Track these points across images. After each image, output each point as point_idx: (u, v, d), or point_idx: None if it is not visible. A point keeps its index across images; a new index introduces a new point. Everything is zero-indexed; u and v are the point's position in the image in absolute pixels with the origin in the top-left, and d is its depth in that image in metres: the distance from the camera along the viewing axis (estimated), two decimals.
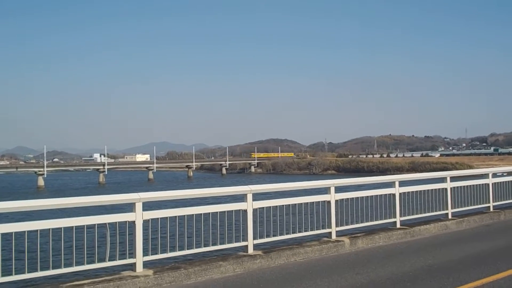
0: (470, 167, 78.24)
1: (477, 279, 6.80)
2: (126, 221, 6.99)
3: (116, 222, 6.91)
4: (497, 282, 6.68)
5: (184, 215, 7.54)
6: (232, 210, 8.09)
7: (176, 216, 7.48)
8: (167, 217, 7.37)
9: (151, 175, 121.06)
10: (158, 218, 7.30)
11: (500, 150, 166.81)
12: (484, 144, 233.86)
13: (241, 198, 8.32)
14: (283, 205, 8.74)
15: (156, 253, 7.27)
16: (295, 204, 8.93)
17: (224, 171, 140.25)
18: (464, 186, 12.16)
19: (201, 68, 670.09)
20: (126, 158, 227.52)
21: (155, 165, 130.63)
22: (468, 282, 6.66)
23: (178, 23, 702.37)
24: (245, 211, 8.14)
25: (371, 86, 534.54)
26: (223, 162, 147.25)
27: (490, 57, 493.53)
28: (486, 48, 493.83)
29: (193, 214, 7.63)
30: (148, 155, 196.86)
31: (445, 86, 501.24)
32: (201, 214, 7.75)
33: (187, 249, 7.51)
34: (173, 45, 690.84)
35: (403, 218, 10.64)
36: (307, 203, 9.09)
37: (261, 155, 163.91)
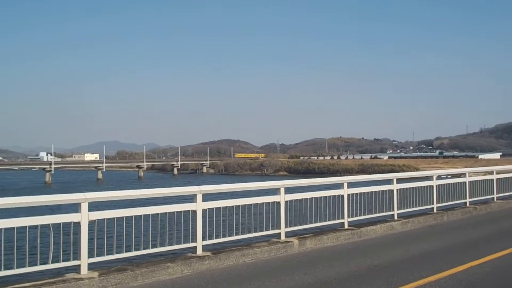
0: (417, 170, 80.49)
1: (420, 278, 7.00)
2: (71, 222, 6.78)
3: (60, 223, 6.70)
4: (439, 281, 6.89)
5: (132, 216, 7.39)
6: (181, 211, 8.00)
7: (123, 217, 7.32)
8: (114, 218, 7.20)
9: (100, 175, 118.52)
10: (104, 219, 7.13)
11: (445, 153, 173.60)
12: (430, 147, 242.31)
13: (191, 198, 8.25)
14: (233, 206, 8.72)
15: (102, 255, 7.10)
16: (245, 205, 8.93)
17: (175, 171, 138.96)
18: (409, 188, 12.52)
19: (153, 65, 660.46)
20: (74, 157, 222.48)
21: (104, 164, 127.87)
22: (412, 281, 6.84)
23: (118, 20, 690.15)
24: (194, 212, 8.07)
25: (323, 89, 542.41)
26: (175, 162, 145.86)
27: (435, 63, 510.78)
28: (431, 54, 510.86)
29: (141, 215, 7.50)
30: (97, 155, 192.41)
31: (393, 91, 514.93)
32: (149, 214, 7.62)
33: (135, 250, 7.37)
34: (122, 42, 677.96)
35: (351, 219, 10.84)
36: (257, 204, 9.12)
37: (242, 155, 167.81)
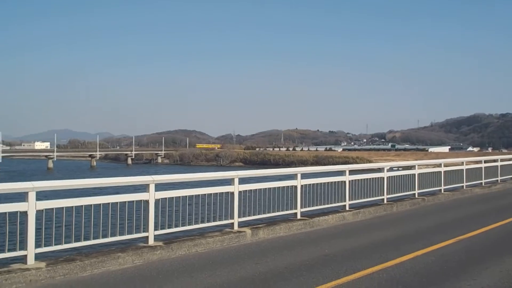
0: (369, 162, 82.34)
1: (368, 267, 7.18)
2: (17, 211, 6.58)
3: (6, 213, 6.49)
4: (386, 269, 7.09)
5: (82, 206, 7.24)
6: (134, 201, 7.90)
7: (73, 207, 7.15)
8: (63, 207, 7.04)
9: (50, 164, 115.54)
10: (53, 208, 6.95)
11: (397, 146, 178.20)
12: (383, 140, 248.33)
13: (144, 188, 8.17)
14: (186, 196, 8.67)
15: (50, 245, 6.94)
16: (199, 195, 8.92)
17: (129, 161, 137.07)
18: (361, 179, 12.79)
19: (108, 54, 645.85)
20: (24, 145, 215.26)
21: (55, 153, 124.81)
22: (360, 270, 7.01)
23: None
24: (146, 202, 7.99)
25: (279, 80, 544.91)
26: (129, 152, 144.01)
27: (389, 57, 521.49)
28: (387, 47, 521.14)
29: (91, 204, 7.35)
30: (48, 143, 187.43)
31: (348, 84, 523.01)
32: (100, 204, 7.47)
33: (84, 240, 7.23)
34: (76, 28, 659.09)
35: (304, 210, 10.99)
36: (211, 194, 9.13)
37: (204, 146, 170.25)
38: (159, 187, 8.36)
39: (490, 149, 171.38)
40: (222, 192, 9.32)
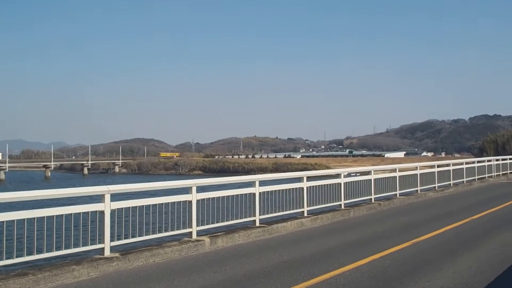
0: (328, 168, 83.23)
1: (326, 272, 7.26)
2: None
3: None
4: (344, 274, 7.19)
5: (34, 218, 7.02)
6: (88, 211, 7.74)
7: (24, 219, 6.93)
8: (14, 220, 6.81)
9: (2, 175, 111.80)
10: (3, 221, 6.72)
11: (354, 152, 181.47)
12: (340, 146, 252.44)
13: (99, 198, 8.01)
14: (143, 206, 8.57)
15: (1, 259, 6.70)
16: (156, 204, 8.81)
17: (86, 171, 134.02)
18: (319, 185, 12.95)
19: (61, 60, 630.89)
20: None
21: (7, 164, 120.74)
22: (318, 275, 7.07)
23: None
24: (102, 212, 7.84)
25: (237, 88, 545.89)
26: (85, 162, 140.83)
27: (345, 65, 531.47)
28: (343, 56, 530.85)
29: (44, 216, 7.14)
30: (0, 154, 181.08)
31: (306, 90, 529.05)
32: (53, 216, 7.27)
33: (37, 253, 7.01)
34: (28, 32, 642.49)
35: (262, 217, 11.03)
36: (168, 203, 9.03)
37: (167, 154, 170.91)
38: (116, 197, 8.22)
39: (443, 154, 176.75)
40: (180, 201, 9.24)
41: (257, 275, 7.20)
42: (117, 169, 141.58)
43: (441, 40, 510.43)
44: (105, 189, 7.99)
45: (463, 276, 7.04)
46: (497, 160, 29.11)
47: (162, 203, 8.91)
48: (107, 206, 7.90)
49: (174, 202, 9.13)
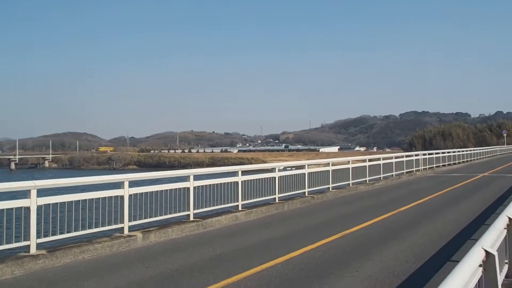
0: (264, 162, 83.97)
1: (258, 265, 7.33)
2: None
3: None
4: (275, 266, 7.29)
5: None
6: (13, 208, 7.40)
7: None
8: None
9: None
10: None
11: (290, 147, 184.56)
12: (277, 141, 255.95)
13: (24, 194, 7.68)
14: (72, 201, 8.30)
15: None
16: (86, 199, 8.56)
17: (13, 166, 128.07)
18: (254, 179, 13.05)
19: None
20: None
21: None
22: (251, 268, 7.13)
23: None
24: (28, 208, 7.53)
25: (174, 82, 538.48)
26: (12, 157, 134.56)
27: (283, 61, 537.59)
28: (279, 53, 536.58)
29: None
30: None
31: (242, 86, 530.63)
32: None
33: None
34: None
35: (197, 211, 10.99)
36: (99, 198, 8.79)
37: (107, 149, 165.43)
38: (44, 192, 7.92)
39: (375, 149, 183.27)
40: (112, 196, 9.03)
41: (190, 270, 7.17)
42: (47, 164, 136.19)
43: (373, 42, 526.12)
44: (31, 184, 7.67)
45: (389, 265, 7.32)
46: (424, 154, 30.49)
47: (92, 198, 8.66)
48: (33, 202, 7.59)
49: (106, 197, 8.91)
